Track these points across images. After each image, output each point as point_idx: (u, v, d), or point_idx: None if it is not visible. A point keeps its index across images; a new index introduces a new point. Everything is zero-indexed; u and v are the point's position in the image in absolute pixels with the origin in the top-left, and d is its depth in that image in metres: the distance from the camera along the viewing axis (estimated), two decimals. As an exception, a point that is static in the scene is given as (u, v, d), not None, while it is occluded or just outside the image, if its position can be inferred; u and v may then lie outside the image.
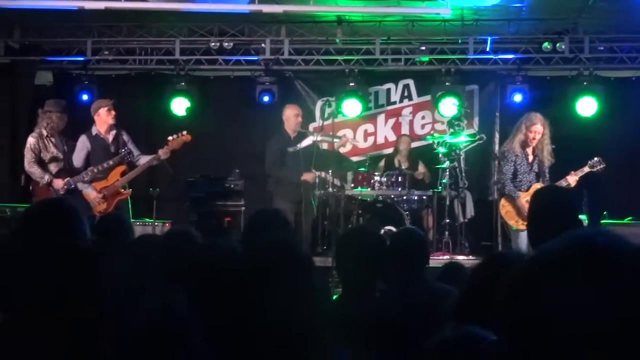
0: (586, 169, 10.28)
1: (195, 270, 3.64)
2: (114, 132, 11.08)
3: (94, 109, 11.14)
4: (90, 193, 10.84)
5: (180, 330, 3.54)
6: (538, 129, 9.96)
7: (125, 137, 11.16)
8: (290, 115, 12.06)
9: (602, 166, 10.36)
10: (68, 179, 10.79)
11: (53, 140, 10.96)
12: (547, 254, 1.51)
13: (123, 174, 10.96)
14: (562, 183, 10.10)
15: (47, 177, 10.78)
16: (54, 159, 10.93)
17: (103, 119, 11.03)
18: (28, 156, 10.90)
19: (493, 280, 2.81)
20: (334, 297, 5.67)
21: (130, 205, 11.23)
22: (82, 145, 11.00)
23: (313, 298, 2.65)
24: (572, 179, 10.16)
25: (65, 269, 2.36)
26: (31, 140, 10.96)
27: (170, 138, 11.07)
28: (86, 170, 10.86)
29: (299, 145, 11.68)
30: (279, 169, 11.72)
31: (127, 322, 3.50)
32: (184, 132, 11.14)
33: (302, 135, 11.91)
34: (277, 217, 5.06)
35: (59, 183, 10.76)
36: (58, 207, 3.61)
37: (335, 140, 12.39)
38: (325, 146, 12.42)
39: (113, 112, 11.08)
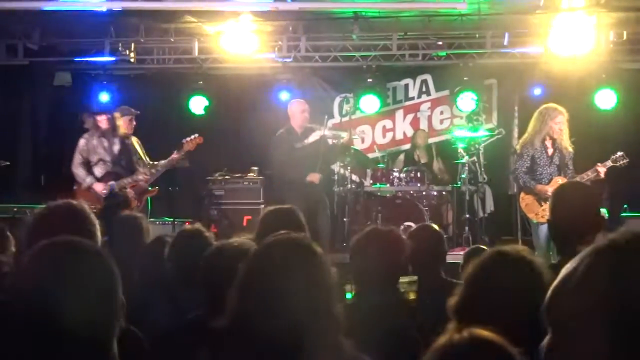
0: (609, 163, 10.19)
1: (207, 269, 3.65)
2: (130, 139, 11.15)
3: (117, 115, 11.15)
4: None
5: (191, 331, 3.55)
6: (561, 120, 9.91)
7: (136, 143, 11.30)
8: (297, 112, 11.95)
9: (625, 161, 10.26)
10: (112, 182, 10.79)
11: (104, 142, 10.92)
12: None
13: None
14: (590, 174, 10.00)
15: (88, 180, 10.78)
16: (100, 162, 10.91)
17: (124, 126, 11.09)
18: (75, 158, 10.92)
19: (494, 278, 2.81)
20: (349, 294, 5.68)
21: (149, 205, 11.32)
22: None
23: (326, 295, 2.64)
24: (601, 170, 10.07)
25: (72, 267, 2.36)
26: (81, 142, 10.95)
27: (184, 140, 11.20)
28: (132, 175, 10.89)
29: (306, 141, 11.63)
30: (289, 170, 11.55)
31: (140, 323, 3.52)
32: (196, 135, 11.26)
33: (308, 131, 11.83)
34: (290, 214, 5.06)
35: (99, 187, 10.76)
36: (67, 209, 3.63)
37: (342, 135, 12.33)
38: (331, 141, 12.38)
39: (134, 123, 11.20)
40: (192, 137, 11.32)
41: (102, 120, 10.89)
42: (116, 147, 10.89)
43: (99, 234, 3.57)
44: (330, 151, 11.98)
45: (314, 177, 11.58)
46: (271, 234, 2.83)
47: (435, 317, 4.02)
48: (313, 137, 11.69)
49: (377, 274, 4.44)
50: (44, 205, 3.66)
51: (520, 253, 2.96)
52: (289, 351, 2.49)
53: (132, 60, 14.18)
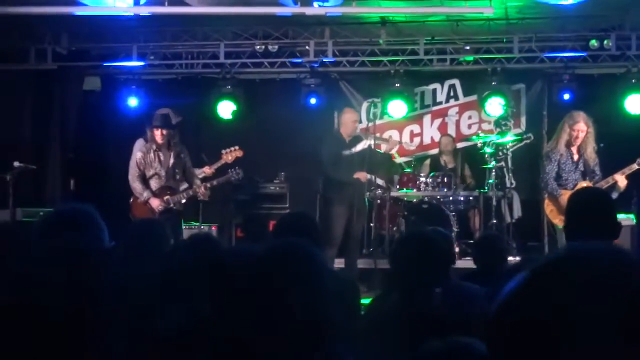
0: (635, 166, 10.11)
1: (216, 274, 3.65)
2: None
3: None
4: (153, 202, 10.88)
5: (206, 334, 3.55)
6: (581, 127, 9.88)
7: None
8: (348, 121, 12.00)
9: None
10: (168, 197, 10.80)
11: (160, 155, 10.90)
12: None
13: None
14: (609, 181, 9.96)
15: (145, 195, 10.78)
16: (155, 175, 10.91)
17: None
18: (132, 171, 10.91)
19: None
20: (368, 299, 5.67)
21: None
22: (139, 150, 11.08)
23: (322, 302, 2.63)
24: (619, 177, 9.99)
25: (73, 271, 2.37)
26: (138, 154, 10.94)
27: (223, 151, 11.21)
28: (186, 190, 10.92)
29: (353, 149, 11.66)
30: (338, 171, 11.64)
31: (152, 326, 3.52)
32: (236, 147, 11.27)
33: (356, 139, 11.85)
34: (304, 220, 5.07)
35: (155, 202, 10.76)
36: (74, 213, 3.64)
37: (385, 143, 12.38)
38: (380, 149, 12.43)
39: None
40: (232, 148, 11.33)
41: (158, 134, 10.86)
42: (171, 161, 10.89)
43: (106, 238, 3.59)
44: (375, 161, 12.01)
45: (362, 175, 11.66)
46: (282, 238, 2.83)
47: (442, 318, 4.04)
48: (360, 146, 11.71)
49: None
50: (52, 209, 3.68)
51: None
52: (282, 354, 2.48)
53: (159, 64, 14.29)
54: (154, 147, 10.85)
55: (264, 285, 2.56)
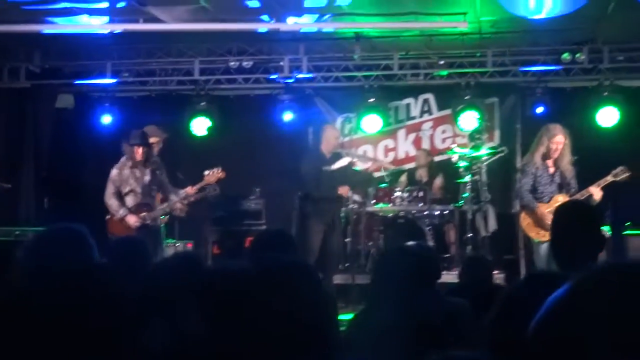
0: (610, 178, 10.16)
1: (206, 291, 3.65)
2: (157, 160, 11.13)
3: (151, 133, 11.14)
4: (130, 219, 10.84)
5: (193, 351, 3.54)
6: (560, 139, 9.95)
7: (161, 166, 11.25)
8: (331, 137, 12.04)
9: (625, 175, 10.23)
10: (145, 214, 10.76)
11: (136, 172, 10.86)
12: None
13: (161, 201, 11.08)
14: (584, 194, 10.02)
15: (121, 212, 10.72)
16: (131, 192, 10.85)
17: (155, 148, 11.12)
18: (108, 188, 10.85)
19: (531, 300, 2.79)
20: (346, 315, 5.68)
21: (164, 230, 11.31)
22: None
23: (321, 316, 2.63)
24: (594, 190, 10.04)
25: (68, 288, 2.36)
26: (113, 172, 10.90)
27: (206, 172, 11.17)
28: (161, 206, 10.87)
29: (333, 166, 11.67)
30: (319, 186, 11.65)
31: (137, 343, 3.50)
32: (220, 169, 11.22)
33: (336, 156, 11.88)
34: (281, 237, 5.08)
35: (132, 219, 10.70)
36: (65, 232, 3.63)
37: (367, 159, 12.42)
38: (358, 166, 12.47)
39: (161, 146, 11.19)
40: (215, 170, 11.27)
41: (139, 151, 10.82)
42: (147, 178, 10.85)
43: (96, 256, 3.58)
44: (356, 179, 12.05)
45: (344, 190, 11.73)
46: (263, 255, 2.82)
47: (427, 333, 4.05)
48: (340, 163, 11.72)
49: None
50: (43, 229, 3.68)
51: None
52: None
53: (133, 81, 14.27)
54: (129, 164, 10.81)
55: (262, 304, 2.55)
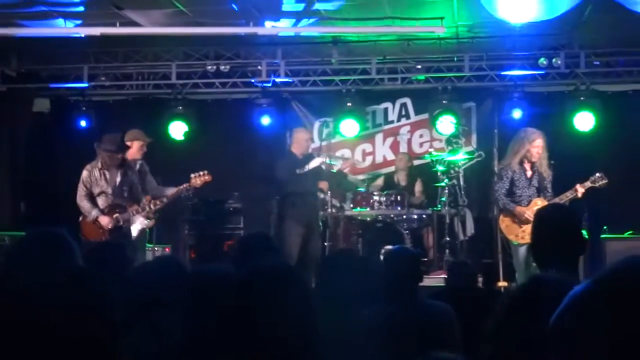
0: (588, 184, 10.21)
1: (190, 295, 3.64)
2: (140, 162, 11.10)
3: (130, 137, 11.06)
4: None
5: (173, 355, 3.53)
6: (539, 143, 10.00)
7: (145, 167, 11.24)
8: (302, 139, 12.09)
9: (604, 182, 10.29)
10: (117, 215, 10.72)
11: (107, 174, 10.82)
12: None
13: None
14: (569, 194, 10.05)
15: (94, 213, 10.66)
16: (102, 193, 10.81)
17: (134, 151, 11.03)
18: (80, 190, 10.79)
19: (534, 304, 2.78)
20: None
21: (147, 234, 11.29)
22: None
23: (310, 319, 2.63)
24: (580, 190, 10.09)
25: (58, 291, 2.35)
26: (84, 173, 10.79)
27: (192, 175, 11.13)
28: (132, 207, 10.83)
29: (307, 167, 11.68)
30: (290, 186, 11.65)
31: (122, 348, 3.49)
32: (206, 172, 11.17)
33: (309, 157, 11.90)
34: (265, 240, 5.08)
35: (104, 220, 10.67)
36: (46, 236, 3.61)
37: (341, 159, 12.42)
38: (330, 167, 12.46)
39: (145, 150, 11.13)
40: (201, 173, 11.22)
41: (108, 156, 10.80)
42: (118, 179, 10.82)
43: (78, 260, 3.55)
44: (330, 179, 12.08)
45: (324, 185, 11.88)
46: (248, 259, 2.83)
47: (411, 335, 4.05)
48: (313, 164, 11.74)
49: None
50: (26, 232, 3.65)
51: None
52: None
53: (110, 85, 14.23)
54: (99, 165, 10.79)
55: (252, 308, 2.55)
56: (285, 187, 11.74)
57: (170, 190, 11.10)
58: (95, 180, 10.73)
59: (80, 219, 10.82)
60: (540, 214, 4.46)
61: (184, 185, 11.05)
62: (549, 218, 4.31)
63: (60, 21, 11.37)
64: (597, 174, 10.29)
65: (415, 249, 12.46)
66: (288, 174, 11.63)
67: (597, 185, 10.24)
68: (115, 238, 9.96)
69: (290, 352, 2.48)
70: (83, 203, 10.72)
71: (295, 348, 2.49)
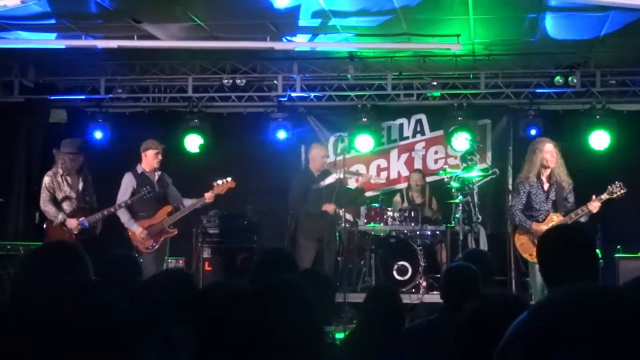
0: (605, 196, 10.10)
1: (201, 308, 3.66)
2: (158, 172, 11.21)
3: (143, 148, 11.25)
4: (136, 230, 10.93)
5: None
6: (550, 148, 9.97)
7: (167, 179, 11.34)
8: (317, 156, 12.17)
9: (622, 191, 10.14)
10: (83, 218, 10.89)
11: (68, 179, 11.04)
12: None
13: (170, 213, 11.13)
14: (583, 210, 9.97)
15: (60, 217, 10.87)
16: (66, 198, 11.03)
17: (149, 160, 11.18)
18: (43, 195, 11.03)
19: (490, 323, 2.80)
20: (343, 333, 5.72)
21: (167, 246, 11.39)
22: (128, 183, 11.11)
23: (316, 335, 2.65)
24: (593, 205, 10.00)
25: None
26: (46, 179, 11.09)
27: (215, 183, 11.24)
28: (101, 210, 10.96)
29: (322, 183, 11.72)
30: (300, 204, 11.75)
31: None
32: (229, 179, 11.30)
33: (326, 173, 11.96)
34: (284, 256, 5.10)
35: (72, 223, 10.86)
36: (61, 248, 3.64)
37: (358, 174, 12.42)
38: (349, 183, 12.48)
39: (160, 157, 11.22)
40: (225, 180, 11.35)
41: (69, 160, 11.00)
42: (80, 184, 11.05)
43: (90, 272, 3.58)
44: (345, 195, 12.08)
45: (329, 207, 11.79)
46: (266, 275, 2.84)
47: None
48: (329, 180, 11.78)
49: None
50: (38, 244, 3.69)
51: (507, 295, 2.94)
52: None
53: (126, 97, 14.32)
54: (60, 171, 10.96)
55: (260, 322, 2.57)
56: (296, 204, 11.80)
57: (189, 202, 11.23)
58: (57, 185, 10.98)
59: (45, 224, 11.03)
60: (544, 237, 4.40)
61: (198, 199, 11.17)
62: (553, 240, 4.24)
63: (79, 34, 11.43)
64: (616, 183, 10.17)
65: (428, 264, 12.53)
66: (303, 191, 11.70)
67: (615, 195, 10.11)
68: (83, 241, 9.98)
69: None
70: (48, 208, 10.93)
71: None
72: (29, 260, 3.58)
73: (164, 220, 11.10)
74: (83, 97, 14.61)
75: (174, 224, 11.25)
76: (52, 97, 14.50)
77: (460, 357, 2.68)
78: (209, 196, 11.24)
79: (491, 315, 2.69)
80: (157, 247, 11.03)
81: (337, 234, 12.33)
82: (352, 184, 13.22)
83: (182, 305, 3.86)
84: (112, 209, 10.95)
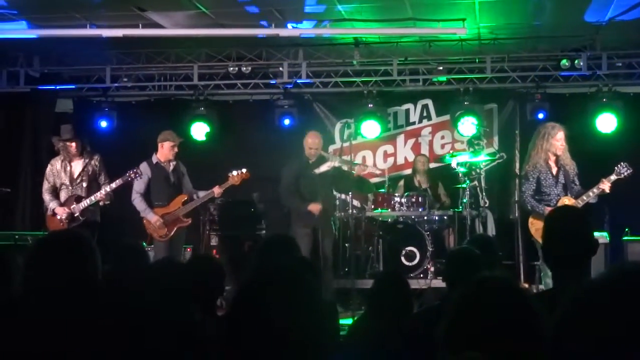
0: (613, 177, 10.02)
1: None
2: (173, 162, 11.27)
3: (161, 138, 11.34)
4: (152, 218, 10.99)
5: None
6: (562, 136, 9.94)
7: (182, 169, 11.39)
8: (309, 143, 11.90)
9: (629, 171, 10.07)
10: (74, 206, 10.96)
11: (69, 166, 11.12)
12: None
13: (184, 202, 11.19)
14: (596, 190, 9.91)
15: (51, 205, 11.11)
16: (63, 186, 11.14)
17: (165, 152, 11.26)
18: (44, 184, 11.24)
19: (480, 305, 2.80)
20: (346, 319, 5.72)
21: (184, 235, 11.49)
22: (143, 172, 11.12)
23: (317, 322, 2.65)
24: (606, 185, 9.94)
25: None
26: (47, 167, 11.27)
27: (230, 174, 11.31)
28: (89, 197, 11.01)
29: (315, 171, 11.62)
30: (291, 196, 11.61)
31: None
32: (244, 170, 11.36)
33: (321, 159, 11.82)
34: (286, 242, 5.10)
35: (60, 211, 10.97)
36: (68, 237, 3.64)
37: (355, 164, 12.31)
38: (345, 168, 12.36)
39: (176, 150, 11.29)
40: (239, 171, 11.41)
41: (72, 145, 11.12)
42: (77, 170, 11.12)
43: (99, 261, 3.58)
44: (342, 181, 11.98)
45: (314, 208, 11.50)
46: (268, 260, 2.84)
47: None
48: (324, 167, 11.68)
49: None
50: (45, 233, 3.70)
51: (504, 280, 2.93)
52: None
53: (132, 86, 14.33)
54: (61, 157, 11.07)
55: (256, 308, 2.56)
56: (290, 197, 11.69)
57: (202, 193, 11.30)
58: (56, 173, 11.14)
59: (46, 213, 11.16)
60: (549, 217, 4.45)
61: (215, 190, 11.24)
62: (558, 221, 4.30)
63: (84, 23, 11.41)
64: (622, 164, 10.10)
65: (435, 249, 12.53)
66: (293, 181, 11.60)
67: (622, 176, 10.04)
68: (82, 232, 10.00)
69: (292, 350, 2.49)
70: (45, 196, 11.26)
71: (298, 346, 2.50)
72: (36, 251, 3.58)
73: (178, 210, 11.17)
74: (89, 86, 14.62)
75: (187, 213, 11.31)
76: (57, 87, 14.51)
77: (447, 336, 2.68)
78: (217, 192, 11.31)
79: (484, 299, 2.69)
80: (170, 235, 11.09)
81: (339, 220, 12.30)
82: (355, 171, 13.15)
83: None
84: (100, 194, 10.99)
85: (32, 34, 11.91)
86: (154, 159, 11.29)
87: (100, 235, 10.55)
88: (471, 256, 5.41)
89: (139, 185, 11.14)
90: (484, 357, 2.22)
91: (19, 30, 11.75)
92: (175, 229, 11.17)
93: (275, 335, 2.50)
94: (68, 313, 2.23)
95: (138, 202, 11.11)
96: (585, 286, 1.77)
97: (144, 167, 11.21)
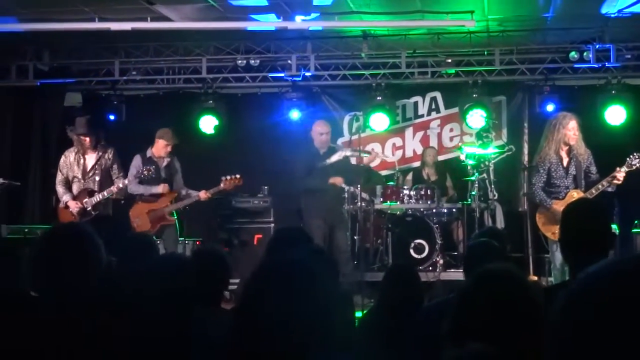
0: (625, 169, 9.96)
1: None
2: (167, 159, 11.29)
3: (158, 135, 11.45)
4: (71, 204, 11.13)
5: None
6: (574, 125, 9.89)
7: (177, 166, 11.41)
8: (316, 133, 11.94)
9: None
10: (86, 199, 10.98)
11: (82, 159, 11.14)
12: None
13: (173, 200, 11.20)
14: (610, 179, 9.85)
15: (64, 198, 11.14)
16: (75, 179, 11.17)
17: (158, 148, 11.33)
18: (57, 176, 11.28)
19: (481, 297, 2.80)
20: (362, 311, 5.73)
21: (177, 232, 11.41)
22: (133, 164, 11.25)
23: (324, 315, 2.64)
24: (620, 175, 9.88)
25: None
26: (61, 159, 11.33)
27: (223, 178, 11.30)
28: (102, 191, 11.03)
29: (327, 161, 11.62)
30: (311, 180, 11.59)
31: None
32: (238, 176, 11.34)
33: (331, 150, 11.81)
34: (299, 234, 5.10)
35: (72, 204, 11.00)
36: (72, 231, 3.64)
37: (365, 155, 12.31)
38: (354, 161, 12.35)
39: (169, 149, 11.37)
40: (233, 177, 11.40)
41: (86, 140, 11.15)
42: (90, 163, 11.13)
43: (103, 255, 3.58)
44: (352, 172, 11.98)
45: (337, 180, 11.60)
46: (280, 252, 2.84)
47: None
48: (335, 157, 11.67)
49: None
50: (49, 229, 3.70)
51: (505, 272, 2.93)
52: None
53: (141, 79, 14.34)
54: (75, 150, 11.11)
55: (261, 301, 2.57)
56: (303, 180, 11.68)
57: (194, 193, 11.29)
58: (69, 166, 11.15)
59: (58, 206, 11.19)
60: (567, 210, 4.43)
61: (218, 189, 11.25)
62: (576, 214, 4.29)
63: (92, 16, 11.42)
64: (634, 154, 10.04)
65: (444, 242, 12.52)
66: (308, 169, 11.60)
67: (634, 167, 9.98)
68: (84, 225, 10.02)
69: (297, 344, 2.49)
70: (58, 188, 11.29)
71: (303, 339, 2.50)
72: (40, 244, 3.59)
73: (165, 207, 11.19)
74: (98, 79, 14.64)
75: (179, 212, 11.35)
76: (66, 81, 14.53)
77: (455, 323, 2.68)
78: (203, 197, 11.30)
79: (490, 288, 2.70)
80: (153, 232, 11.04)
81: (351, 212, 12.30)
82: (372, 164, 13.15)
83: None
84: (112, 189, 11.03)
85: (42, 27, 11.91)
86: (148, 153, 11.39)
87: (111, 229, 10.57)
88: (491, 248, 5.40)
89: (129, 177, 11.24)
90: (486, 348, 2.23)
91: (28, 24, 11.75)
92: (158, 226, 11.20)
93: (281, 328, 2.51)
94: (68, 311, 2.24)
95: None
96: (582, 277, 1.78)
97: (135, 159, 11.34)
